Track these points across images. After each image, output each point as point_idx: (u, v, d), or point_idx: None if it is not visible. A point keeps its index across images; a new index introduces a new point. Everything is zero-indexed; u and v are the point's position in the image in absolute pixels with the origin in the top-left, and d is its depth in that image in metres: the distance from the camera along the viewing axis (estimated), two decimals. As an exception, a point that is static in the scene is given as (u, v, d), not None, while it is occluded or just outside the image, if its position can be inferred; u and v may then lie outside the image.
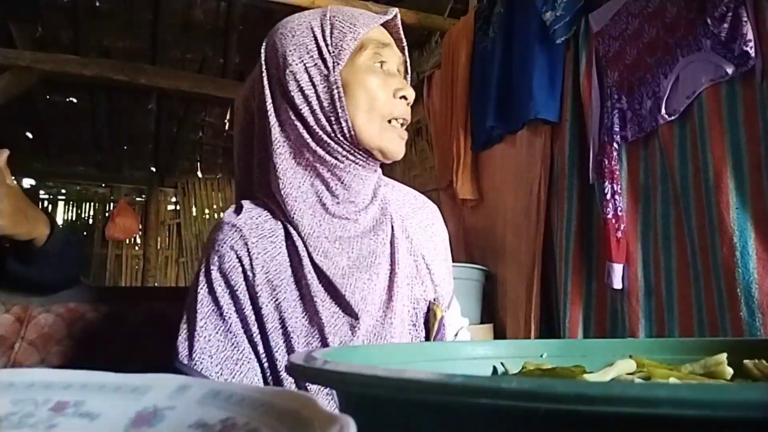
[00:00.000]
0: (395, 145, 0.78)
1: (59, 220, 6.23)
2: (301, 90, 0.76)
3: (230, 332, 0.73)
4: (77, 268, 1.09)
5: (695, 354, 0.49)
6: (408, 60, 0.85)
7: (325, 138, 0.75)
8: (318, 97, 0.75)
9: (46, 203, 6.25)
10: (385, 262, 0.78)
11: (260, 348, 0.74)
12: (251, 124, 0.83)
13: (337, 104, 0.75)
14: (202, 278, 0.76)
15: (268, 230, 0.77)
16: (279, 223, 0.78)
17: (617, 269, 1.53)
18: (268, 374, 0.74)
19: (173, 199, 6.21)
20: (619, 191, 1.56)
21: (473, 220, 2.37)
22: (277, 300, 0.74)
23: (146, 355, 1.18)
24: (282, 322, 0.73)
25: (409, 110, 0.80)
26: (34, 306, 1.14)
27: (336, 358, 0.36)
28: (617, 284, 1.53)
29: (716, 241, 1.24)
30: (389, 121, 0.78)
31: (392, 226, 0.81)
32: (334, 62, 0.75)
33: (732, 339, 1.00)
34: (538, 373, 0.47)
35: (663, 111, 1.40)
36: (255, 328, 0.74)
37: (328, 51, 0.76)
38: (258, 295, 0.73)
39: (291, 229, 0.76)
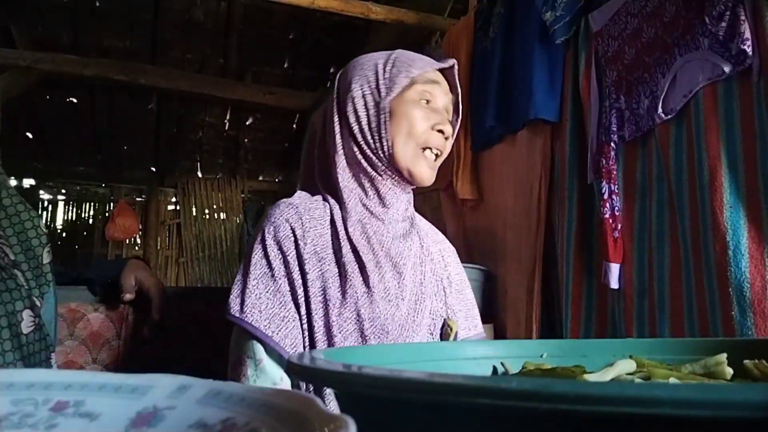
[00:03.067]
0: (423, 171, 0.90)
1: (59, 220, 6.23)
2: (356, 111, 0.90)
3: (279, 292, 0.83)
4: None
5: (695, 354, 0.49)
6: (460, 103, 0.98)
7: (369, 153, 0.89)
8: (368, 119, 0.90)
9: (46, 203, 6.25)
10: (413, 265, 0.90)
11: (303, 310, 0.83)
12: (318, 134, 0.99)
13: (382, 127, 0.88)
14: (257, 245, 0.86)
15: (317, 215, 0.89)
16: (327, 211, 0.90)
17: (614, 269, 1.53)
18: (305, 335, 0.82)
19: (173, 199, 6.20)
20: (617, 191, 1.56)
21: (473, 220, 2.37)
22: (321, 270, 0.84)
23: (147, 355, 1.18)
24: (323, 291, 0.83)
25: (444, 143, 0.91)
26: (34, 306, 1.14)
27: (336, 358, 0.36)
28: (614, 284, 1.53)
29: (709, 239, 1.24)
30: (424, 150, 0.89)
31: (420, 244, 0.94)
32: (386, 92, 0.89)
33: (731, 339, 1.00)
34: (538, 373, 0.47)
35: (660, 110, 1.40)
36: (301, 291, 0.83)
37: (384, 81, 0.90)
38: (306, 262, 0.84)
39: (336, 216, 0.88)
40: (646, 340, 0.99)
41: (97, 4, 4.21)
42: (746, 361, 0.45)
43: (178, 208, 6.11)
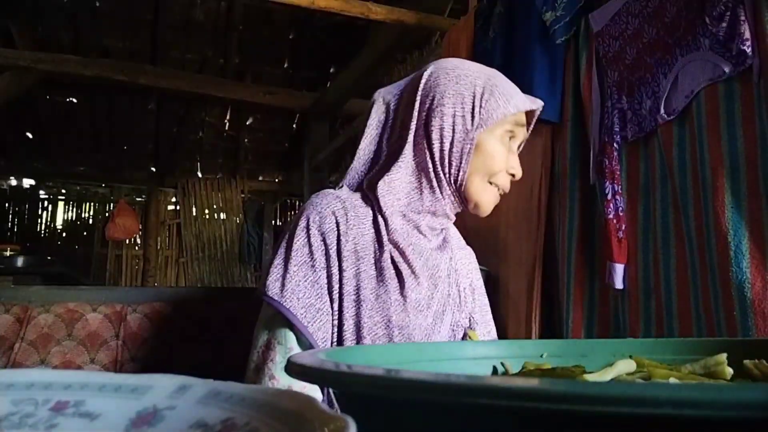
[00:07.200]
0: (489, 205, 0.93)
1: (59, 220, 6.23)
2: (441, 129, 0.87)
3: (317, 284, 0.82)
4: None
5: (695, 354, 0.49)
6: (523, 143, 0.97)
7: (441, 174, 0.88)
8: (452, 143, 0.87)
9: (46, 203, 6.25)
10: (444, 277, 0.91)
11: (335, 306, 0.83)
12: (387, 124, 0.94)
13: (464, 156, 0.86)
14: (300, 232, 0.84)
15: (361, 213, 0.88)
16: (370, 211, 0.89)
17: (619, 269, 1.53)
18: (334, 332, 0.82)
19: (173, 199, 6.21)
20: (620, 191, 1.55)
21: (474, 220, 2.36)
22: (358, 269, 0.84)
23: (146, 355, 1.18)
24: (357, 289, 0.83)
25: (509, 185, 0.93)
26: (34, 306, 1.15)
27: (336, 358, 0.36)
28: (619, 284, 1.52)
29: (711, 240, 1.24)
30: (492, 185, 0.91)
31: (450, 255, 0.95)
32: (479, 123, 0.86)
33: (732, 339, 1.00)
34: (538, 373, 0.47)
35: (662, 110, 1.40)
36: (336, 287, 0.83)
37: (479, 111, 0.86)
38: (344, 259, 0.83)
39: (379, 220, 0.87)
40: (646, 340, 0.99)
41: (97, 4, 4.22)
42: (746, 361, 0.45)
43: (178, 208, 6.11)
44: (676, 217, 1.40)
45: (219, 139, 5.95)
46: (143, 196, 6.24)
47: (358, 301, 0.82)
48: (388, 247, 0.86)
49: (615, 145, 1.56)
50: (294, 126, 5.79)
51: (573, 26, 1.76)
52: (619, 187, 1.55)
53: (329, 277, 0.83)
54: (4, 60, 3.82)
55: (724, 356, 0.45)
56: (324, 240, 0.84)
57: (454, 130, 0.86)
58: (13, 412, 0.29)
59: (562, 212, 1.78)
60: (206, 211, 6.07)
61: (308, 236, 0.84)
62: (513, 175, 0.92)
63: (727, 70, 1.23)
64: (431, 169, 0.87)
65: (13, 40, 4.05)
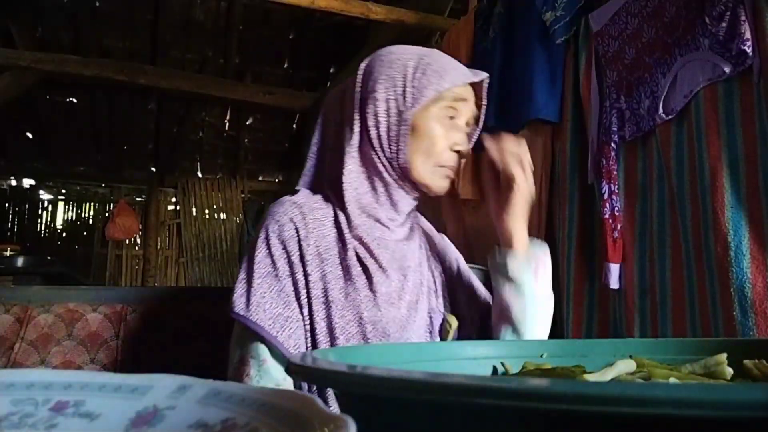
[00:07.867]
0: (440, 184, 0.89)
1: (59, 220, 6.23)
2: (376, 115, 0.86)
3: (283, 292, 0.82)
4: None
5: (695, 354, 0.49)
6: (482, 116, 0.95)
7: (384, 161, 0.87)
8: (387, 127, 0.86)
9: (46, 203, 6.25)
10: (414, 266, 0.89)
11: (305, 311, 0.82)
12: (334, 121, 0.94)
13: (401, 139, 0.85)
14: (261, 244, 0.84)
15: (321, 214, 0.87)
16: (331, 210, 0.88)
17: (614, 269, 1.53)
18: (308, 336, 0.82)
19: (173, 199, 6.20)
20: (617, 191, 1.56)
21: (474, 220, 2.37)
22: (323, 271, 0.83)
23: (146, 355, 1.18)
24: (325, 292, 0.83)
25: (458, 161, 0.89)
26: (34, 306, 1.14)
27: (335, 358, 0.36)
28: (614, 284, 1.53)
29: (710, 240, 1.24)
30: (440, 166, 0.88)
31: (419, 244, 0.94)
32: (411, 103, 0.85)
33: (731, 339, 1.00)
34: (538, 373, 0.47)
35: (661, 110, 1.40)
36: (303, 292, 0.82)
37: (411, 91, 0.85)
38: (308, 263, 0.83)
39: (341, 218, 0.86)
40: (646, 340, 0.99)
41: (97, 4, 4.21)
42: (746, 361, 0.45)
43: (178, 208, 6.10)
44: (672, 217, 1.40)
45: (219, 139, 5.94)
46: (143, 196, 6.23)
47: (327, 303, 0.82)
48: (352, 244, 0.85)
49: (612, 144, 1.56)
50: (294, 126, 5.79)
51: (573, 26, 1.76)
52: (616, 186, 1.56)
53: (295, 283, 0.82)
54: (4, 60, 3.82)
55: (724, 356, 0.45)
56: (285, 248, 0.83)
57: (388, 114, 0.85)
58: (13, 412, 0.29)
59: (561, 212, 1.78)
60: (206, 211, 6.06)
61: (268, 246, 0.84)
62: (459, 152, 0.88)
63: (726, 70, 1.23)
64: (374, 157, 0.87)
65: (13, 40, 4.05)
